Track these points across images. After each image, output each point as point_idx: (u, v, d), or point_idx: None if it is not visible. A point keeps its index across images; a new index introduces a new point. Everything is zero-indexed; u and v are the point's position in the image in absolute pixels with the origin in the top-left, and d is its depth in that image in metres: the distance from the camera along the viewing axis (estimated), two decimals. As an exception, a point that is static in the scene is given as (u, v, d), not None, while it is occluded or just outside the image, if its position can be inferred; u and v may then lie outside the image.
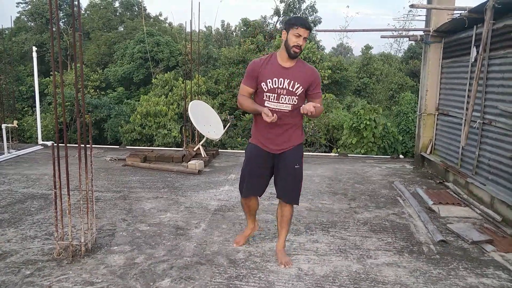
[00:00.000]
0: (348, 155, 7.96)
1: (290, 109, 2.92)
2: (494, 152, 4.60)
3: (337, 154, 8.01)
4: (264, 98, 2.93)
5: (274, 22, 19.23)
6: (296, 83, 2.87)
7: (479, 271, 3.07)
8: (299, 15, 18.12)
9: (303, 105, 2.84)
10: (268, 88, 2.89)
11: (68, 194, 3.16)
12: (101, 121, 13.47)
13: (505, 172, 4.35)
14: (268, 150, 3.02)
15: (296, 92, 2.89)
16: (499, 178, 4.47)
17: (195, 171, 5.98)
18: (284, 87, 2.87)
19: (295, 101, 2.90)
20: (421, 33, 6.63)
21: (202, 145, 6.97)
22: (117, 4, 23.72)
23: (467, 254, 3.37)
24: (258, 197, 3.25)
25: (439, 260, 3.25)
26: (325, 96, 12.78)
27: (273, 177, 3.16)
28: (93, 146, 3.52)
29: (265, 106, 2.91)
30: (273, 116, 2.79)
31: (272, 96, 2.89)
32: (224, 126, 7.19)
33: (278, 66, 2.89)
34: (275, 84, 2.87)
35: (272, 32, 17.71)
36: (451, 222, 4.12)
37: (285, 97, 2.89)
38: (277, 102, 2.90)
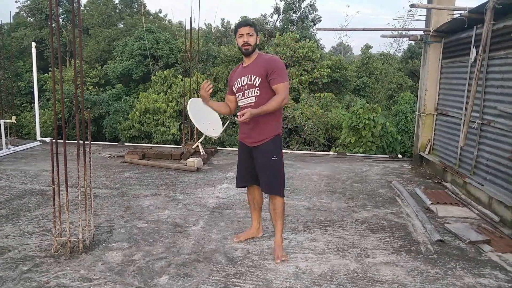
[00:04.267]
0: (347, 154, 7.96)
1: (254, 100, 3.10)
2: (492, 153, 4.61)
3: (335, 153, 8.00)
4: (237, 100, 3.27)
5: (274, 20, 19.20)
6: (253, 75, 3.08)
7: (476, 271, 3.08)
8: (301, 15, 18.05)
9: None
10: (236, 89, 3.21)
11: (66, 191, 3.15)
12: (99, 117, 13.42)
13: (503, 173, 4.36)
14: (246, 144, 3.23)
15: (254, 83, 3.08)
16: (497, 179, 4.48)
17: (194, 169, 5.98)
18: (245, 83, 3.13)
19: (257, 92, 3.08)
20: (421, 33, 6.63)
21: (200, 142, 6.96)
22: (116, 0, 23.67)
23: (465, 254, 3.38)
24: (260, 190, 3.39)
25: (436, 260, 3.26)
26: (324, 95, 12.76)
27: None
28: (91, 142, 3.51)
29: (239, 106, 3.26)
30: (242, 116, 2.93)
31: (239, 94, 3.19)
32: (223, 124, 7.18)
33: (240, 69, 3.22)
34: (239, 84, 3.17)
35: (272, 30, 17.69)
36: (449, 222, 4.14)
37: (248, 91, 3.12)
38: (244, 98, 3.17)
